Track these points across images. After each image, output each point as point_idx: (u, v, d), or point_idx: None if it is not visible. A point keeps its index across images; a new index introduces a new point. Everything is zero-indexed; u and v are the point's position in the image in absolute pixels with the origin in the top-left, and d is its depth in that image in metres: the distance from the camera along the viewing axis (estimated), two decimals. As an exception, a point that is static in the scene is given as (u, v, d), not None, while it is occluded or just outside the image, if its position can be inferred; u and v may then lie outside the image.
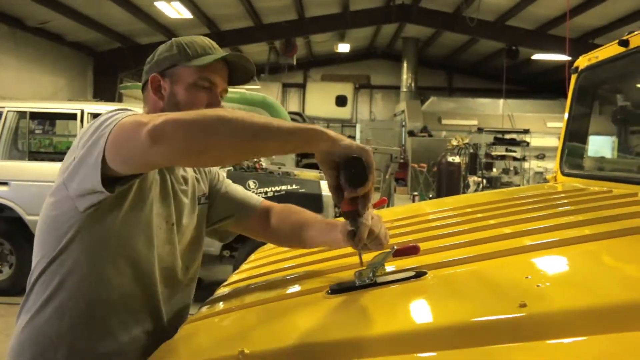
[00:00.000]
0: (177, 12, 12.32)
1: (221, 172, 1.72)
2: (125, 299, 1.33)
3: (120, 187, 1.22)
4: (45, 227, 1.33)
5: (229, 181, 1.72)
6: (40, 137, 10.32)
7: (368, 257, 1.26)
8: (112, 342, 1.31)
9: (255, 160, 6.87)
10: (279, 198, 5.36)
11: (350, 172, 1.12)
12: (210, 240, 1.78)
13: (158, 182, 1.40)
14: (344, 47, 19.11)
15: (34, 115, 6.86)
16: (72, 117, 5.92)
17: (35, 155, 7.10)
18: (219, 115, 1.06)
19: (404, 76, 20.15)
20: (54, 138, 10.73)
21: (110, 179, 1.18)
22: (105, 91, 14.38)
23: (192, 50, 1.43)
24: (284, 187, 5.53)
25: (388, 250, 1.25)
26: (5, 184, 5.77)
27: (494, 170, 15.43)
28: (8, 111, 5.95)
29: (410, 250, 1.34)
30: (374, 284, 1.21)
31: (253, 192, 5.37)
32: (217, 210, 1.64)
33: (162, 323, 1.40)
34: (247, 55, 1.51)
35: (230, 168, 6.18)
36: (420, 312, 1.08)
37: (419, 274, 1.22)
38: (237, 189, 1.71)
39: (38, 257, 1.34)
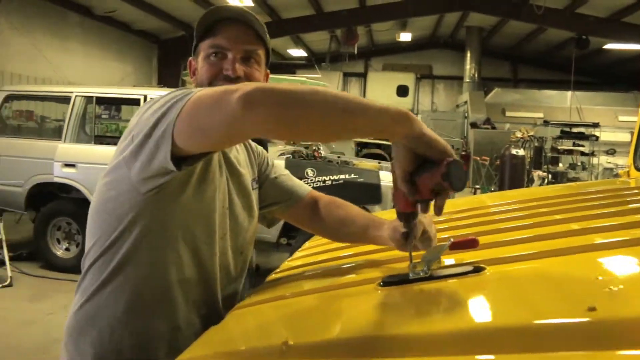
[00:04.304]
0: (239, 0, 12.48)
1: (271, 157, 1.70)
2: (183, 284, 1.32)
3: (186, 166, 1.16)
4: (101, 207, 1.31)
5: (278, 167, 1.69)
6: (106, 122, 10.68)
7: (421, 253, 1.22)
8: (168, 325, 1.31)
9: (314, 148, 6.87)
10: (337, 187, 5.36)
11: (456, 172, 1.04)
12: (268, 228, 1.79)
13: (217, 167, 1.38)
14: (405, 36, 18.82)
15: (100, 101, 7.08)
16: (136, 102, 6.09)
17: (101, 139, 7.34)
18: (311, 88, 1.03)
19: (467, 66, 19.72)
20: (119, 123, 11.07)
21: (176, 160, 1.13)
22: (170, 78, 14.76)
23: (201, 23, 1.40)
24: (342, 176, 5.51)
25: (445, 242, 1.20)
26: (72, 166, 6.00)
27: (560, 165, 14.96)
28: (76, 96, 6.18)
29: (468, 244, 1.27)
30: (429, 278, 1.15)
31: (311, 180, 5.41)
32: (265, 196, 1.62)
33: (217, 308, 1.40)
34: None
35: (289, 156, 6.21)
36: (477, 310, 1.02)
37: (477, 269, 1.15)
38: (286, 176, 1.68)
39: (95, 237, 1.33)
